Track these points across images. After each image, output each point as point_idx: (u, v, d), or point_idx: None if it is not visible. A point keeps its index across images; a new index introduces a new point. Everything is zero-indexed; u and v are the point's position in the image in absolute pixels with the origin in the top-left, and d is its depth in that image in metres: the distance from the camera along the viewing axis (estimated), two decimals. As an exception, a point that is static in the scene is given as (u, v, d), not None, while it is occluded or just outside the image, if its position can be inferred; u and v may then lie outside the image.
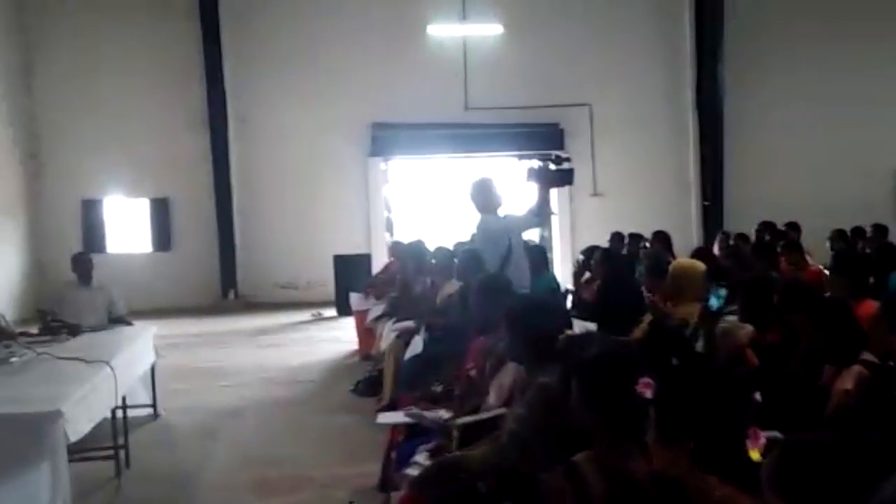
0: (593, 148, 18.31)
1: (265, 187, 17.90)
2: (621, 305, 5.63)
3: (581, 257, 10.02)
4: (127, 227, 18.10)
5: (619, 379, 2.83)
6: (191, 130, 17.65)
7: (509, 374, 4.63)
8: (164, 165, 17.70)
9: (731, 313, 5.53)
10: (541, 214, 7.18)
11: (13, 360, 6.42)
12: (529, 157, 7.45)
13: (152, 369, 8.22)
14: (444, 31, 18.00)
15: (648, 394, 2.68)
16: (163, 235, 18.01)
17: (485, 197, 7.21)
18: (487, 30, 18.02)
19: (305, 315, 15.52)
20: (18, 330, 8.31)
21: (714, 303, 5.23)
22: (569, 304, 9.07)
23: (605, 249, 9.51)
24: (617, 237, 11.62)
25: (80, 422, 5.20)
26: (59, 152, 17.58)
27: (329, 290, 16.11)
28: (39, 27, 17.52)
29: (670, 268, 6.20)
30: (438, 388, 5.91)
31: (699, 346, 5.36)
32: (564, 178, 7.19)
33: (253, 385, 9.87)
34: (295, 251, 17.63)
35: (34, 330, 8.22)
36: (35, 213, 17.50)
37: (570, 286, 10.45)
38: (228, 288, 17.67)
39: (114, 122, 17.47)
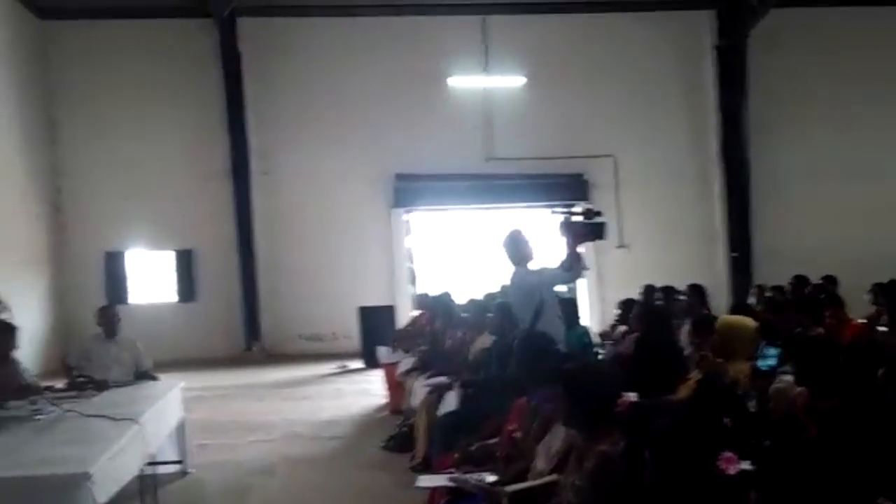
0: (618, 199, 18.20)
1: (288, 238, 17.85)
2: (662, 361, 5.45)
3: (617, 311, 9.84)
4: (151, 278, 18.04)
5: (700, 454, 2.63)
6: (214, 182, 17.68)
7: (559, 437, 4.44)
8: (189, 217, 17.73)
9: (783, 372, 5.33)
10: (573, 269, 7.01)
11: (40, 417, 6.27)
12: (558, 209, 7.22)
13: (181, 425, 8.03)
14: (466, 82, 18.03)
15: (731, 470, 2.49)
16: (187, 286, 17.95)
17: (517, 249, 7.08)
18: (510, 81, 18.03)
19: (331, 367, 15.35)
20: (44, 384, 8.17)
21: (766, 363, 5.04)
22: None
23: (643, 303, 9.33)
24: (650, 290, 11.43)
25: (108, 483, 5.03)
26: (81, 205, 17.63)
27: (354, 341, 15.97)
28: (63, 82, 17.66)
29: (718, 324, 6.01)
30: (475, 448, 5.70)
31: (751, 406, 5.16)
32: (596, 231, 7.03)
33: (282, 440, 9.67)
34: (319, 302, 17.51)
35: (60, 384, 8.08)
36: (59, 265, 17.48)
37: (601, 339, 10.27)
38: (252, 339, 17.54)
39: (136, 175, 17.54)
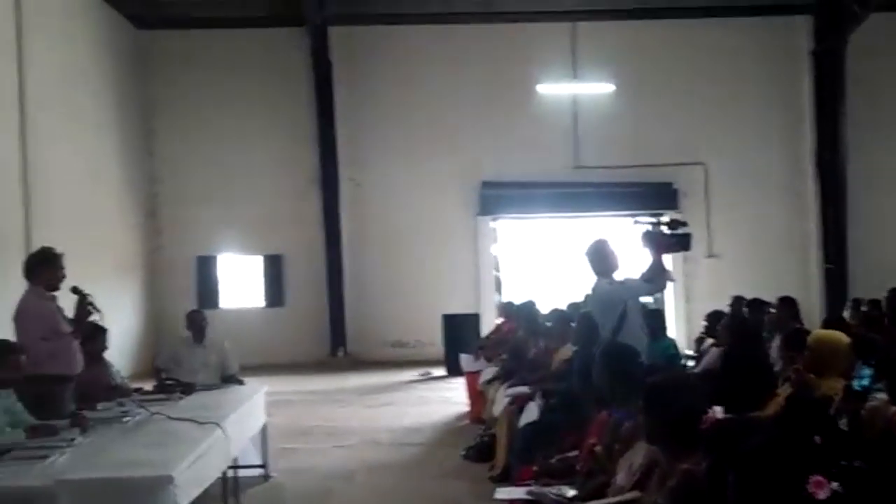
0: (708, 208, 17.88)
1: (375, 246, 17.98)
2: (750, 376, 5.27)
3: (706, 322, 9.61)
4: (240, 283, 18.36)
5: (789, 476, 2.52)
6: (304, 189, 17.95)
7: (641, 453, 4.32)
8: (279, 223, 18.00)
9: (878, 391, 5.10)
10: (656, 281, 6.86)
11: (127, 419, 6.38)
12: (643, 219, 7.06)
13: (263, 429, 8.11)
14: (554, 89, 17.89)
15: (821, 494, 2.38)
16: (276, 291, 18.23)
17: (600, 259, 6.94)
18: (598, 88, 17.83)
19: (414, 374, 15.38)
20: (134, 386, 8.36)
21: (861, 383, 4.82)
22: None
23: (731, 315, 9.10)
24: (739, 301, 11.15)
25: (190, 486, 5.07)
26: (175, 211, 18.05)
27: (438, 349, 15.97)
28: (158, 92, 18.14)
29: (810, 340, 5.80)
30: (554, 460, 5.60)
31: (842, 424, 4.95)
32: (681, 243, 6.87)
33: (363, 447, 9.71)
34: (404, 310, 17.58)
35: (149, 387, 8.26)
36: (152, 270, 17.94)
37: (688, 351, 10.06)
38: (338, 345, 17.69)
39: (228, 182, 17.88)
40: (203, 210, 17.86)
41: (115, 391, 7.72)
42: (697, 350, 9.33)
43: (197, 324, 9.04)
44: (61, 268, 6.72)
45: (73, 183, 14.39)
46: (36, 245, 12.30)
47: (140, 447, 5.55)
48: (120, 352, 14.50)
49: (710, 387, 4.33)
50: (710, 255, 17.67)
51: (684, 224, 6.84)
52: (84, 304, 6.64)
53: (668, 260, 6.85)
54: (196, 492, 5.26)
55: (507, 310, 12.79)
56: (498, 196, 18.06)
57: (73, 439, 5.61)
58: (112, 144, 16.57)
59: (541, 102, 18.07)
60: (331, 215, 17.79)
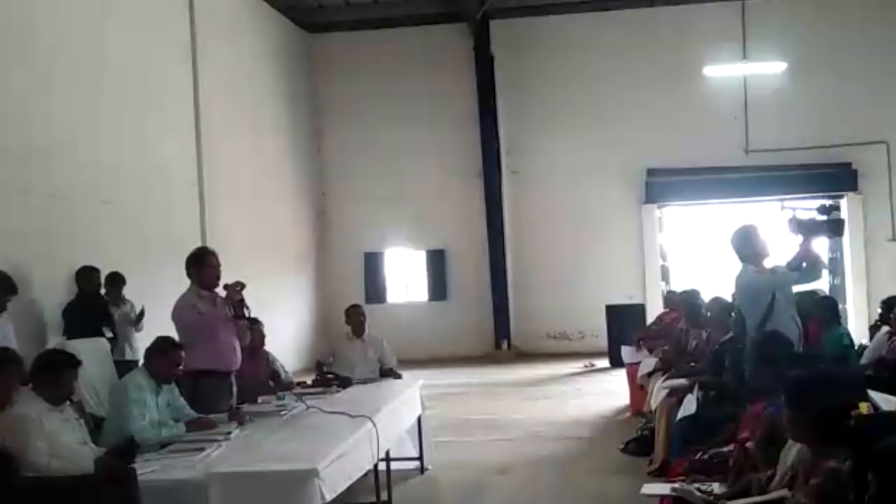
0: (891, 188, 16.82)
1: (537, 237, 17.90)
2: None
3: (880, 309, 9.01)
4: (405, 277, 18.65)
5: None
6: (467, 184, 18.03)
7: (794, 450, 4.07)
8: (441, 218, 18.19)
9: None
10: (809, 270, 6.46)
11: (283, 412, 6.55)
12: (789, 204, 6.66)
13: (419, 422, 8.17)
14: (722, 71, 17.25)
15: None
16: (439, 285, 18.41)
17: (747, 245, 6.58)
18: (769, 68, 17.03)
19: (577, 366, 15.21)
20: (297, 380, 8.60)
21: None
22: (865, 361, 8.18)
23: (907, 300, 8.49)
24: (920, 287, 10.42)
25: (336, 479, 5.14)
26: (343, 208, 18.53)
27: (601, 340, 15.74)
28: (327, 92, 18.65)
29: None
30: (707, 455, 5.37)
31: None
32: (832, 228, 6.45)
33: (522, 440, 9.65)
34: (568, 301, 17.42)
35: (310, 381, 8.47)
36: (322, 266, 18.47)
37: (866, 342, 9.46)
38: (502, 338, 17.69)
39: (394, 178, 18.21)
40: (369, 206, 18.26)
41: (278, 385, 7.98)
42: (872, 338, 8.75)
43: (355, 318, 9.21)
44: (215, 266, 6.92)
45: (246, 182, 15.02)
46: (211, 244, 12.99)
47: (292, 441, 5.68)
48: (291, 346, 15.08)
49: (862, 379, 4.03)
50: (894, 239, 16.63)
51: (836, 209, 6.44)
52: (238, 301, 6.82)
53: (821, 247, 6.45)
54: (343, 485, 5.32)
55: (670, 299, 12.43)
56: (664, 183, 17.61)
57: (229, 433, 5.80)
58: (284, 144, 17.18)
59: (708, 85, 17.44)
60: (493, 208, 17.81)
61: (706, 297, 9.94)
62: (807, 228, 6.34)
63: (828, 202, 6.60)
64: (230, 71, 14.68)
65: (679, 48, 17.40)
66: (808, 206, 6.57)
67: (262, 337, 8.31)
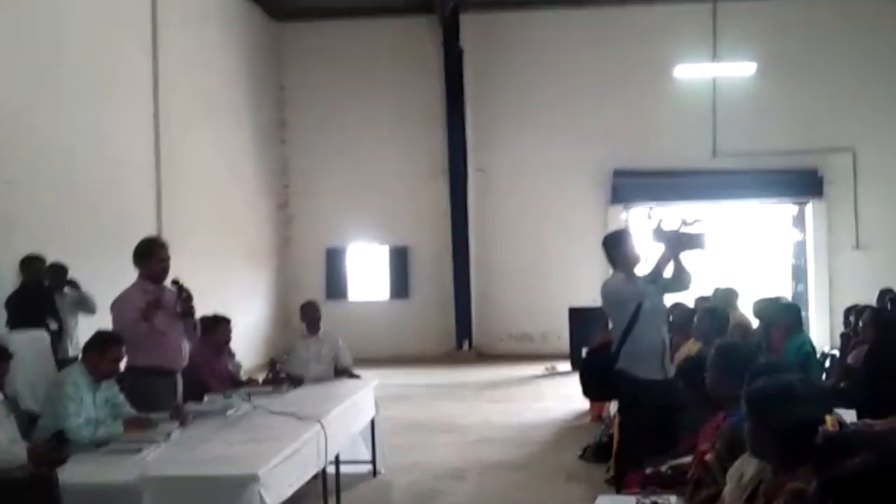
0: (856, 196, 16.85)
1: (502, 236, 17.73)
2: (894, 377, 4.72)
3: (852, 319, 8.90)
4: (367, 275, 18.40)
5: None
6: (432, 180, 17.81)
7: (753, 464, 3.88)
8: (405, 215, 17.95)
9: None
10: (672, 279, 6.29)
11: (229, 412, 6.31)
12: (652, 214, 6.49)
13: (373, 424, 7.95)
14: (691, 71, 17.13)
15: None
16: (401, 283, 18.16)
17: (617, 251, 6.39)
18: (739, 69, 16.93)
19: (539, 368, 15.03)
20: (247, 378, 8.36)
21: None
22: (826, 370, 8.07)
23: (874, 309, 8.38)
24: (884, 294, 10.33)
25: (279, 485, 4.93)
26: (306, 202, 18.23)
27: (564, 343, 15.54)
28: (292, 83, 18.34)
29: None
30: (665, 467, 5.19)
31: None
32: (695, 241, 6.26)
33: (477, 444, 9.45)
34: (530, 302, 17.25)
35: (261, 378, 8.23)
36: (283, 261, 18.16)
37: (827, 350, 9.37)
38: (463, 338, 17.47)
39: (358, 172, 17.93)
40: (333, 201, 17.98)
41: (230, 383, 7.73)
42: (843, 347, 8.64)
43: (310, 316, 8.96)
44: (163, 259, 6.64)
45: (206, 173, 14.67)
46: (167, 235, 12.68)
47: (234, 443, 5.46)
48: (250, 342, 14.78)
49: (829, 392, 3.85)
50: (857, 247, 16.64)
51: (698, 221, 6.28)
52: (185, 298, 6.56)
53: (684, 259, 6.28)
54: (288, 491, 5.11)
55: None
56: (631, 184, 17.46)
57: (169, 434, 5.56)
58: (245, 135, 16.82)
59: (678, 86, 17.31)
60: (458, 205, 17.57)
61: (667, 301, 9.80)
62: (668, 239, 6.17)
63: (689, 219, 6.39)
64: (193, 58, 14.33)
65: (648, 48, 17.25)
66: (674, 216, 6.42)
67: (229, 336, 8.05)
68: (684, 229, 6.20)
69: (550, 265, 17.35)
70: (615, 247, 6.35)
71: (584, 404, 10.95)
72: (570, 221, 17.51)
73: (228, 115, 16.00)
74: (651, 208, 16.85)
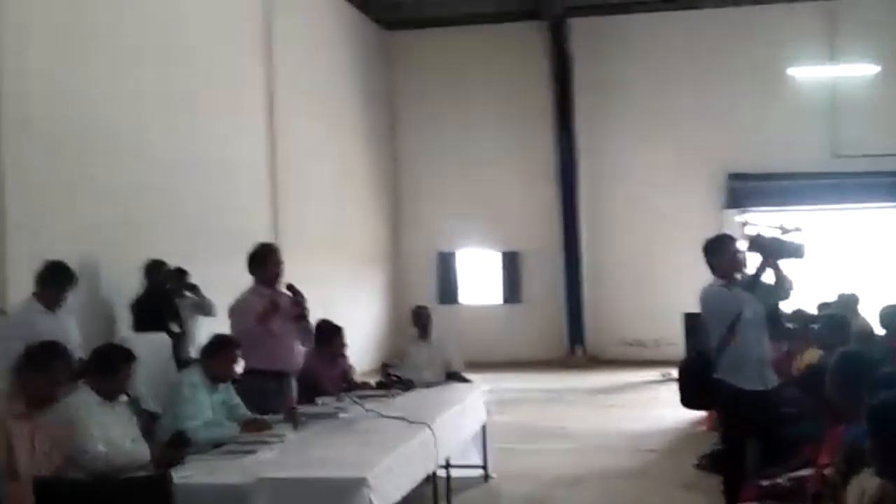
0: None
1: (614, 241, 17.57)
2: None
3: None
4: (478, 279, 18.44)
5: None
6: (542, 185, 17.78)
7: (875, 481, 3.72)
8: (516, 219, 17.97)
9: None
10: (771, 288, 6.05)
11: (341, 415, 6.39)
12: (751, 222, 6.18)
13: (483, 429, 7.94)
14: (809, 73, 16.63)
15: None
16: (513, 288, 18.16)
17: (717, 258, 6.14)
18: (860, 70, 16.35)
19: (652, 374, 14.77)
20: (361, 381, 8.45)
21: None
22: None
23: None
24: None
25: (389, 489, 4.94)
26: (418, 206, 18.38)
27: (678, 349, 15.22)
28: (403, 90, 18.59)
29: None
30: (783, 479, 5.02)
31: None
32: (793, 250, 6.00)
33: (592, 451, 9.34)
34: (643, 307, 17.00)
35: (373, 382, 8.33)
36: (395, 265, 18.36)
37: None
38: (576, 343, 17.36)
39: (469, 177, 18.03)
40: (444, 206, 18.10)
41: (343, 385, 7.83)
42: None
43: (422, 320, 9.06)
44: (277, 264, 6.81)
45: (320, 179, 14.96)
46: (283, 241, 12.97)
47: (345, 445, 5.52)
48: (361, 346, 14.93)
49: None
50: None
51: (797, 230, 6.00)
52: (298, 303, 6.69)
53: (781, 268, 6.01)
54: (396, 494, 5.13)
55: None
56: (746, 188, 17.07)
57: (283, 435, 5.67)
58: (358, 141, 17.10)
59: (794, 87, 16.89)
60: (568, 210, 17.48)
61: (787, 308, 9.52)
62: (766, 247, 5.92)
63: (788, 225, 6.12)
64: (305, 67, 14.63)
65: (763, 49, 16.88)
66: (771, 226, 6.17)
67: (344, 346, 8.15)
68: (783, 237, 6.01)
69: (663, 270, 17.05)
70: (715, 253, 6.17)
71: (700, 412, 10.73)
72: (684, 226, 17.12)
73: (341, 121, 16.28)
74: (745, 216, 16.39)
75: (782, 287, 6.06)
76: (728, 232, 6.25)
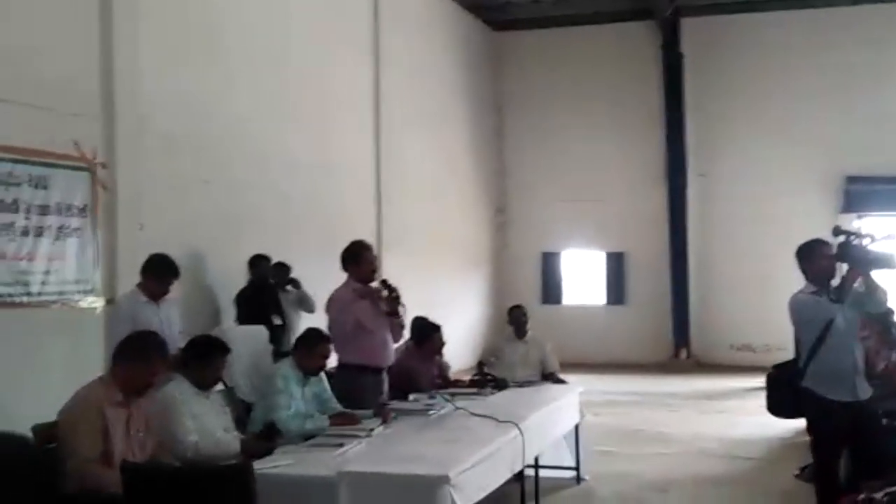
0: None
1: (722, 243, 17.21)
2: None
3: None
4: (582, 280, 18.30)
5: None
6: (650, 186, 17.55)
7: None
8: (622, 220, 17.78)
9: None
10: (868, 300, 5.74)
11: (431, 412, 6.42)
12: (842, 230, 5.82)
13: (577, 430, 7.87)
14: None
15: None
16: (617, 289, 17.98)
17: (809, 264, 5.87)
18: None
19: (760, 381, 14.32)
20: (454, 378, 8.49)
21: None
22: None
23: None
24: None
25: (472, 487, 4.93)
26: (523, 207, 18.38)
27: (788, 354, 14.76)
28: (510, 90, 18.60)
29: None
30: (881, 494, 4.83)
31: None
32: (883, 261, 5.66)
33: (688, 456, 9.16)
34: (752, 311, 16.54)
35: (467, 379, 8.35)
36: (499, 265, 18.37)
37: None
38: (681, 346, 17.06)
39: (574, 177, 17.91)
40: (549, 205, 18.03)
41: (438, 383, 7.87)
42: None
43: (518, 319, 9.09)
44: (371, 261, 6.88)
45: (425, 177, 15.08)
46: (386, 238, 13.13)
47: (432, 442, 5.53)
48: (463, 344, 15.01)
49: None
50: None
51: (891, 237, 5.67)
52: (392, 298, 6.75)
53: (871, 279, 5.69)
54: (480, 493, 5.11)
55: (864, 316, 11.51)
56: (864, 191, 16.45)
57: (372, 430, 5.72)
58: (465, 141, 17.17)
59: (913, 86, 16.21)
60: (677, 211, 17.21)
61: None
62: (855, 257, 5.64)
63: (877, 235, 5.79)
64: (413, 67, 14.77)
65: (883, 47, 16.24)
66: (860, 234, 5.82)
67: (442, 344, 8.18)
68: (873, 247, 5.76)
69: (774, 274, 16.45)
70: (806, 258, 5.94)
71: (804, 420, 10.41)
72: (797, 230, 16.29)
73: (447, 121, 16.37)
74: (860, 220, 15.80)
75: (873, 297, 5.81)
76: (822, 237, 5.99)
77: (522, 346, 8.90)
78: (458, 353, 12.58)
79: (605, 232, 17.89)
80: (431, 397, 6.97)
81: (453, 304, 14.93)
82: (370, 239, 9.20)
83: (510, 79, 18.59)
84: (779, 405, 6.37)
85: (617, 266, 17.96)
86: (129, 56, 8.35)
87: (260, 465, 4.69)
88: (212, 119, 9.73)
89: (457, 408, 6.54)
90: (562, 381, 8.72)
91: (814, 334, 5.72)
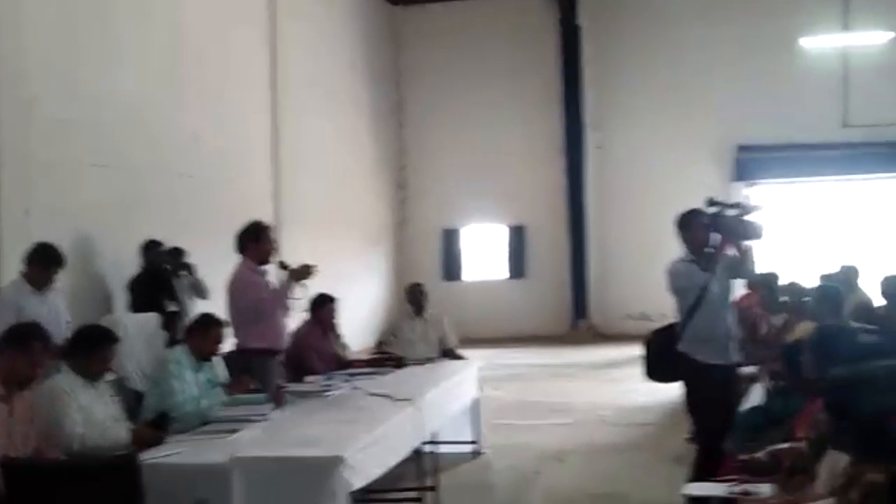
0: None
1: (621, 215, 17.47)
2: None
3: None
4: (483, 255, 18.42)
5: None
6: (549, 159, 17.68)
7: (846, 455, 3.71)
8: (522, 193, 17.90)
9: None
10: (729, 266, 6.01)
11: (327, 393, 6.41)
12: (714, 201, 6.09)
13: (475, 405, 7.95)
14: (820, 42, 16.40)
15: None
16: (518, 263, 18.14)
17: (687, 233, 6.12)
18: (872, 38, 16.09)
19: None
20: (352, 359, 8.47)
21: None
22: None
23: None
24: None
25: (368, 467, 4.94)
26: (422, 183, 18.34)
27: (678, 322, 15.20)
28: (409, 65, 18.56)
29: None
30: (762, 454, 5.00)
31: None
32: (750, 231, 5.96)
33: (585, 424, 9.38)
34: (649, 281, 16.70)
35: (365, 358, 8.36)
36: (400, 242, 18.34)
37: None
38: (580, 317, 17.33)
39: (474, 152, 17.97)
40: (449, 181, 18.10)
41: (334, 364, 7.85)
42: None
43: (415, 297, 9.09)
44: (270, 241, 6.81)
45: (324, 155, 14.94)
46: (286, 218, 12.97)
47: (327, 424, 5.51)
48: (366, 324, 14.99)
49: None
50: None
51: (756, 209, 5.96)
52: (291, 280, 6.68)
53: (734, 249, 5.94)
54: (377, 472, 5.13)
55: (752, 281, 11.87)
56: (755, 160, 16.92)
57: (266, 414, 5.68)
58: (363, 117, 17.07)
59: (804, 57, 16.63)
60: (575, 183, 17.40)
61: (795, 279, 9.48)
62: (725, 227, 5.88)
63: (748, 203, 6.11)
64: (310, 43, 14.60)
65: (773, 19, 16.66)
66: (728, 204, 6.12)
67: (334, 315, 8.13)
68: (742, 217, 5.97)
69: (670, 243, 16.81)
70: (685, 228, 6.16)
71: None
72: (692, 199, 16.77)
73: (346, 97, 16.24)
74: (751, 188, 16.28)
75: (743, 266, 6.05)
76: (699, 208, 6.18)
77: (421, 324, 8.91)
78: (359, 333, 12.56)
79: (506, 206, 18.02)
80: (329, 379, 6.96)
81: (354, 284, 14.86)
82: (268, 219, 9.10)
83: (409, 54, 18.53)
84: (656, 370, 6.55)
85: (518, 240, 18.12)
86: (12, 36, 8.07)
87: (151, 455, 4.62)
88: (104, 102, 9.49)
89: (354, 388, 6.55)
90: (460, 357, 8.78)
91: (689, 301, 5.93)
